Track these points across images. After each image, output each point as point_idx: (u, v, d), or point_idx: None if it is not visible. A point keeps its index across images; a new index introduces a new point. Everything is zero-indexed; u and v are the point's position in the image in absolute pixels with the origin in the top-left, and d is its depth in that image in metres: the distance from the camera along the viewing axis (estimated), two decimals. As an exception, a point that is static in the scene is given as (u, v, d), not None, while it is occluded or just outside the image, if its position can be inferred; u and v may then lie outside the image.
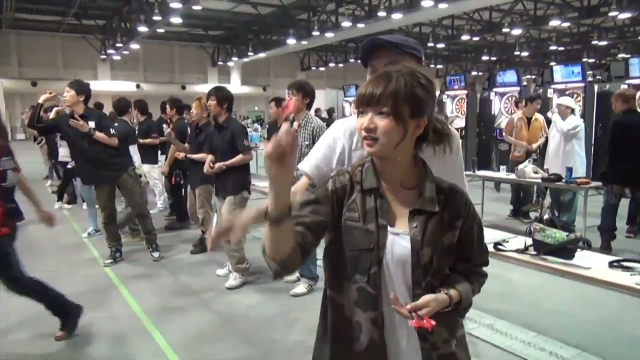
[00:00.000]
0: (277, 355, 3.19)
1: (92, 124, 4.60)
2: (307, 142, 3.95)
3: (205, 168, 4.31)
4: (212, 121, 4.74)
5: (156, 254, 5.15)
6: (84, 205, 6.97)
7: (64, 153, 7.09)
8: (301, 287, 4.20)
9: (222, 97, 4.36)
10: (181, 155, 5.45)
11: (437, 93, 10.96)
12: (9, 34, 22.49)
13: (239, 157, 4.27)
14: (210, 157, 4.39)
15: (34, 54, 23.42)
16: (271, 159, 1.02)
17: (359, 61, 1.66)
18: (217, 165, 4.22)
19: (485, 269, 1.39)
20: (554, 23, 17.43)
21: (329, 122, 6.47)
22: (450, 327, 1.29)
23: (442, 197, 1.26)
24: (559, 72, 9.57)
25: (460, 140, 1.65)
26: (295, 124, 3.99)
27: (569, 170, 5.33)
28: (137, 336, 3.48)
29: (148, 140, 6.71)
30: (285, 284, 4.28)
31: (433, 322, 1.15)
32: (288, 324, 3.59)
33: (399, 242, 1.23)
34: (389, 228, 1.23)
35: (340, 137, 1.61)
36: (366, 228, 1.22)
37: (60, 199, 7.99)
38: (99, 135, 4.63)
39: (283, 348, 3.27)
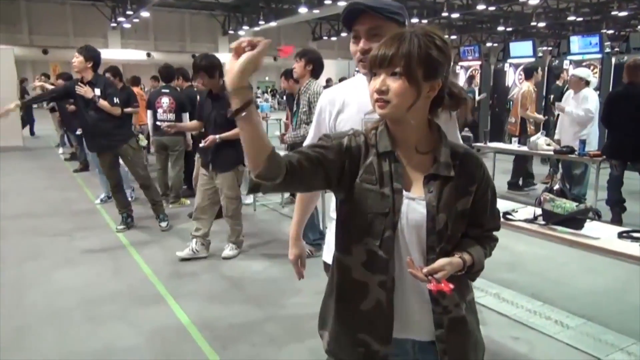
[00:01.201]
0: (284, 317, 3.26)
1: (97, 92, 4.59)
2: (304, 109, 4.02)
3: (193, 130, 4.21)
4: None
5: (164, 224, 5.19)
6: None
7: None
8: None
9: (211, 65, 4.02)
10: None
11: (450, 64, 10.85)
12: (19, 1, 22.37)
13: (236, 129, 4.10)
14: (197, 123, 4.25)
15: (44, 22, 23.31)
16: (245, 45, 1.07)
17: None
18: (211, 137, 3.99)
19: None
20: (573, -8, 16.95)
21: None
22: (460, 290, 1.29)
23: (458, 162, 1.25)
24: (576, 43, 9.37)
25: None
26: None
27: (582, 142, 5.27)
28: (149, 299, 3.57)
29: None
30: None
31: (451, 286, 1.16)
32: (295, 289, 3.65)
33: (415, 207, 1.22)
34: (404, 192, 1.23)
35: (326, 106, 1.70)
36: (382, 192, 1.21)
37: None
38: (102, 103, 4.61)
39: (290, 311, 3.34)
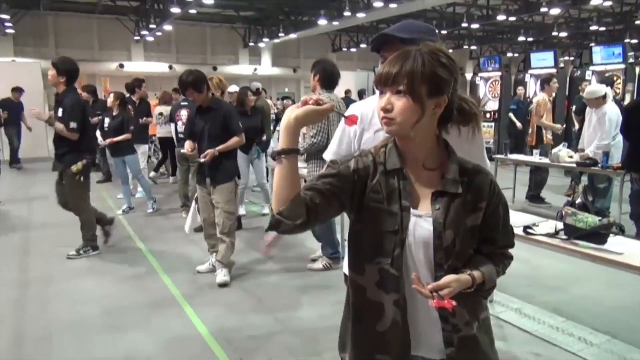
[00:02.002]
0: (302, 330, 3.25)
1: (59, 111, 4.36)
2: None
3: (187, 150, 3.99)
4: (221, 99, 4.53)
5: (72, 252, 4.67)
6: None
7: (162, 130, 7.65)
8: (318, 264, 4.31)
9: (198, 80, 3.87)
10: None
11: (470, 75, 10.70)
12: (47, 16, 22.94)
13: (234, 139, 3.99)
14: (189, 143, 4.02)
15: (70, 36, 23.84)
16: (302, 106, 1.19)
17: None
18: (210, 151, 3.85)
19: (514, 252, 1.38)
20: (595, 2, 16.71)
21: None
22: (472, 309, 1.28)
23: (466, 179, 1.24)
24: (598, 53, 9.25)
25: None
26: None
27: (605, 154, 5.18)
28: (169, 309, 3.60)
29: None
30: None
31: (454, 303, 1.15)
32: (312, 301, 3.64)
33: (422, 224, 1.22)
34: (411, 210, 1.23)
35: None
36: (390, 210, 1.22)
37: (157, 170, 8.74)
38: (57, 126, 4.34)
39: (308, 323, 3.33)
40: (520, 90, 9.84)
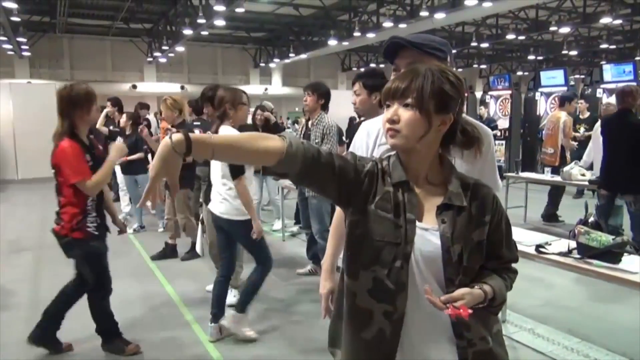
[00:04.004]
0: (315, 350, 3.22)
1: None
2: (317, 140, 4.20)
3: None
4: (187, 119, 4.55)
5: None
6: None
7: None
8: (305, 269, 4.60)
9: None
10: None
11: (480, 94, 10.72)
12: (62, 39, 23.45)
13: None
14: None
15: (84, 58, 24.32)
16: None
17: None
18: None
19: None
20: (605, 20, 16.72)
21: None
22: (486, 323, 1.27)
23: (469, 193, 1.25)
24: (609, 71, 9.25)
25: (492, 139, 1.63)
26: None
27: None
28: (177, 325, 3.60)
29: None
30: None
31: (470, 310, 1.14)
32: (324, 326, 3.61)
33: (428, 237, 1.22)
34: (417, 223, 1.23)
35: (364, 137, 1.71)
36: (396, 222, 1.22)
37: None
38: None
39: (321, 344, 3.29)
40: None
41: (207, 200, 3.97)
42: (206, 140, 1.13)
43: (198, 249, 4.35)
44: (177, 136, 1.09)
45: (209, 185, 3.96)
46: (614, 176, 4.69)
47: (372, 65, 26.44)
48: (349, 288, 1.30)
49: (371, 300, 1.24)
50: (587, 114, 8.00)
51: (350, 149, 1.77)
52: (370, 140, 1.68)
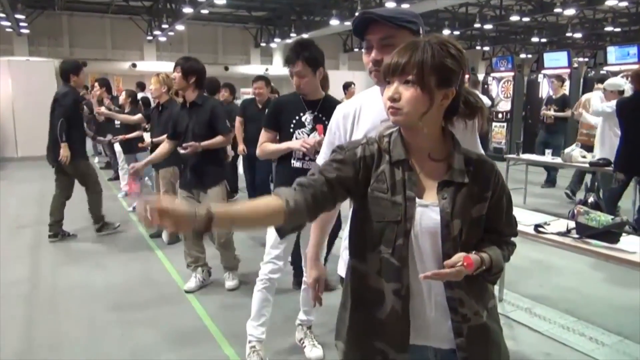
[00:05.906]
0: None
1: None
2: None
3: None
4: (175, 99, 4.40)
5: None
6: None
7: None
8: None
9: (189, 68, 3.64)
10: (146, 142, 5.08)
11: (482, 75, 10.54)
12: (61, 16, 23.19)
13: (219, 138, 3.66)
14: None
15: (84, 35, 24.09)
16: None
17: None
18: (192, 144, 3.54)
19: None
20: (611, 2, 16.53)
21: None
22: (480, 298, 1.28)
23: (471, 169, 1.24)
24: (613, 53, 9.15)
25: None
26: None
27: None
28: (175, 300, 3.62)
29: None
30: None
31: (473, 265, 1.17)
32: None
33: (428, 213, 1.22)
34: (417, 200, 1.22)
35: (340, 120, 1.66)
36: (394, 200, 1.22)
37: None
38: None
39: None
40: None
41: (185, 183, 3.81)
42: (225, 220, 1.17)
43: (164, 236, 4.32)
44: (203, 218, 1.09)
45: (184, 168, 3.84)
46: (633, 159, 4.66)
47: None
48: (358, 270, 1.31)
49: (381, 280, 1.25)
50: (560, 93, 7.93)
51: (327, 133, 1.74)
52: (348, 123, 1.63)
